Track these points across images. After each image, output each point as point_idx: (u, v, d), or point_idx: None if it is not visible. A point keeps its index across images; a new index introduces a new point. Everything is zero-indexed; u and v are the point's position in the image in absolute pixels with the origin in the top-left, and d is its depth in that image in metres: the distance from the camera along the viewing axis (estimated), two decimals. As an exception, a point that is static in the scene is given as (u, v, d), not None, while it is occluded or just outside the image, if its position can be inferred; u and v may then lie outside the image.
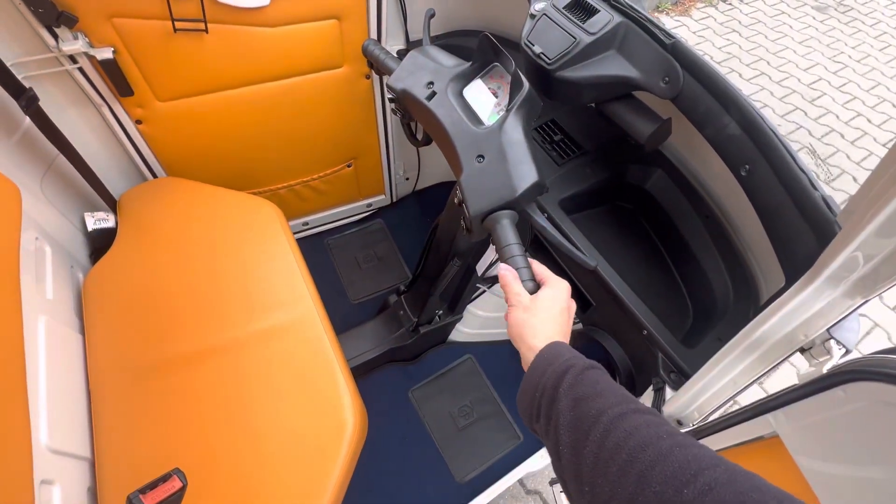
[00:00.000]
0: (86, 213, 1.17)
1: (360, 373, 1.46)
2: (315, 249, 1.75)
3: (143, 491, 0.60)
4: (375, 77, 1.41)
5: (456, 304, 1.42)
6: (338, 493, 0.85)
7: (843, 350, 0.54)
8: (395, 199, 1.88)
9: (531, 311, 0.58)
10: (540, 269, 0.63)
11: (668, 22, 3.71)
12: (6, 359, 0.70)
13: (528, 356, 0.55)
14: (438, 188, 1.95)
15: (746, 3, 4.01)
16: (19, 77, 0.93)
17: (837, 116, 3.14)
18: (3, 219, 0.81)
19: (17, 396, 0.69)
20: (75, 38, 0.97)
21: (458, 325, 1.55)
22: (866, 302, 0.49)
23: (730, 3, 3.98)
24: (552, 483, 1.53)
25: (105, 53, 1.02)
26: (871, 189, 0.41)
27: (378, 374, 1.49)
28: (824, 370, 0.52)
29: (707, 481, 0.36)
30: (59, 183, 1.12)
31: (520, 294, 0.60)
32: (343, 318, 1.57)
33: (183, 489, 0.63)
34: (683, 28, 3.68)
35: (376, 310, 1.57)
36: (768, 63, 3.48)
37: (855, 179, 2.81)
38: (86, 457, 0.87)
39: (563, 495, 0.47)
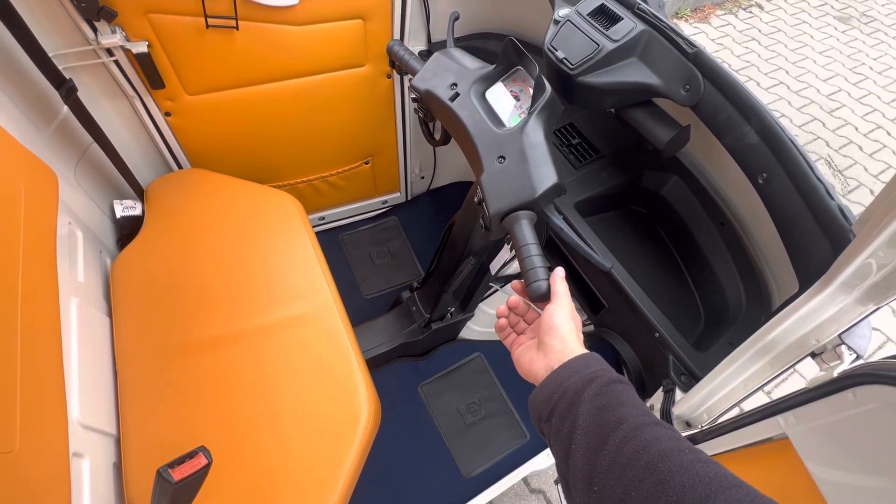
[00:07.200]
0: (115, 201, 1.22)
1: (372, 366, 1.48)
2: (330, 244, 1.77)
3: (171, 465, 0.63)
4: (396, 77, 1.43)
5: (468, 302, 1.43)
6: (352, 479, 0.87)
7: (854, 356, 0.55)
8: (409, 197, 1.91)
9: (552, 330, 0.56)
10: (555, 281, 0.61)
11: (686, 29, 3.69)
12: (46, 337, 0.73)
13: (552, 363, 0.54)
14: (453, 187, 1.97)
15: (767, 12, 3.98)
16: (59, 68, 0.97)
17: (856, 128, 3.11)
18: (42, 203, 0.84)
19: (56, 372, 0.73)
20: (113, 31, 1.01)
21: (469, 324, 1.57)
22: (878, 309, 0.50)
23: (750, 12, 3.95)
24: (557, 483, 1.55)
25: (140, 47, 1.05)
26: (885, 199, 0.43)
27: (389, 368, 1.52)
28: (834, 374, 0.53)
29: (728, 500, 0.35)
30: (91, 171, 1.16)
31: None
32: (355, 312, 1.59)
33: (208, 466, 0.65)
34: (702, 35, 3.66)
35: (388, 305, 1.59)
36: (787, 73, 3.45)
37: (872, 192, 2.78)
38: (112, 434, 0.90)
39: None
